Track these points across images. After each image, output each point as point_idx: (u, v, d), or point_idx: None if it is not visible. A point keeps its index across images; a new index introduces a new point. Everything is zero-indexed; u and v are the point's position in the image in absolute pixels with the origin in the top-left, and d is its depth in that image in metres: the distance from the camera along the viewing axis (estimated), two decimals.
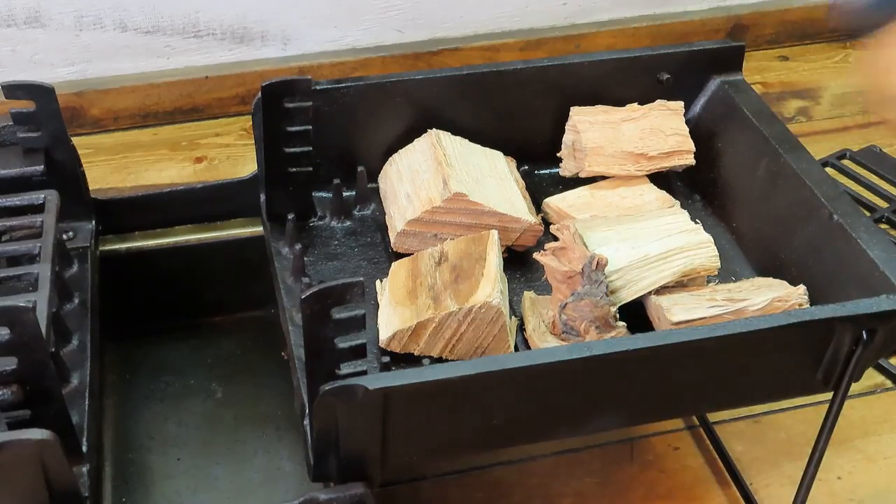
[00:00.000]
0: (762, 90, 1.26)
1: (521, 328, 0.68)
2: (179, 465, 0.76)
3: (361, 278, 0.53)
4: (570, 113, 0.80)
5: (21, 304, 0.53)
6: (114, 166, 1.12)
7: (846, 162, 1.11)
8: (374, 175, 0.80)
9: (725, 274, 0.73)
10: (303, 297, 0.53)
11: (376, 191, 0.80)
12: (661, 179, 0.79)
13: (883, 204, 1.05)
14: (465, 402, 0.58)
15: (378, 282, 0.71)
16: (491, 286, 0.65)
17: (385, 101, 0.79)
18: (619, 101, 0.81)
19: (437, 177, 0.73)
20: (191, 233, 0.82)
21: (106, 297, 0.75)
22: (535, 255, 0.69)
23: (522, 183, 0.79)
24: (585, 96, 0.81)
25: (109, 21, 1.14)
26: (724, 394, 0.66)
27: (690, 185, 0.82)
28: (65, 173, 0.75)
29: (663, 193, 0.78)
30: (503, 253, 0.72)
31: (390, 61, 1.23)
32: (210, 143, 1.17)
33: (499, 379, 0.56)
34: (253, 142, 0.77)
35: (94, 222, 0.78)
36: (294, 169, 0.75)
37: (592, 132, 0.78)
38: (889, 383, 0.88)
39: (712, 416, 0.83)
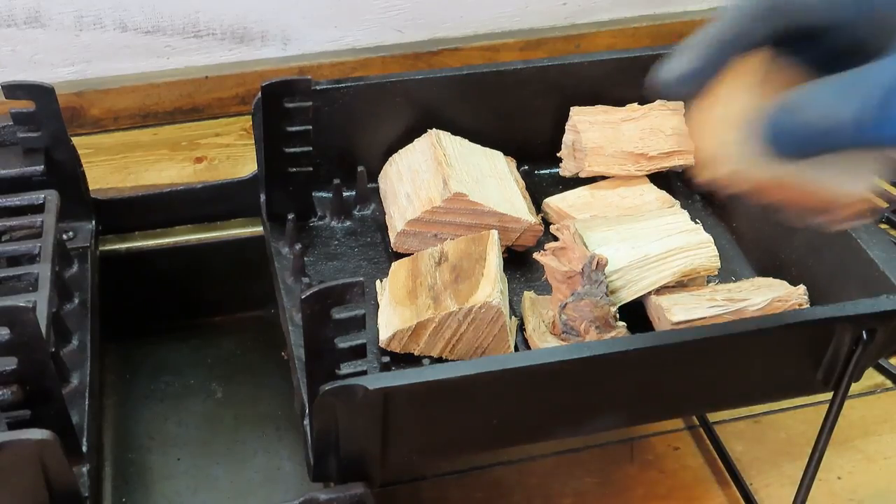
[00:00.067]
0: None
1: (521, 328, 0.68)
2: (179, 465, 0.76)
3: (361, 278, 0.53)
4: (570, 113, 0.80)
5: (21, 304, 0.53)
6: (114, 166, 1.12)
7: None
8: (374, 175, 0.80)
9: (725, 274, 0.73)
10: (303, 297, 0.53)
11: (376, 191, 0.80)
12: (661, 179, 0.79)
13: (883, 204, 1.05)
14: (465, 402, 0.58)
15: (378, 282, 0.71)
16: (491, 286, 0.65)
17: (385, 101, 0.79)
18: (619, 101, 0.81)
19: (437, 177, 0.73)
20: (191, 233, 0.82)
21: (106, 297, 0.75)
22: (535, 255, 0.69)
23: (522, 183, 0.79)
24: (585, 96, 0.81)
25: (109, 21, 1.14)
26: (724, 394, 0.66)
27: (690, 185, 0.82)
28: (65, 173, 0.75)
29: (663, 193, 0.78)
30: (503, 253, 0.72)
31: (390, 61, 1.23)
32: (210, 143, 1.17)
33: (499, 379, 0.56)
34: (253, 142, 0.77)
35: (94, 222, 0.78)
36: (294, 169, 0.75)
37: (592, 132, 0.78)
38: (889, 383, 0.88)
39: (712, 416, 0.83)
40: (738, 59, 0.46)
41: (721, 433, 0.82)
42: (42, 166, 0.73)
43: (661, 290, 0.66)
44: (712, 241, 0.68)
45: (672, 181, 0.81)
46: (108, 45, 1.15)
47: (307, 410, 0.60)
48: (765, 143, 0.44)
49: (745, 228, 0.77)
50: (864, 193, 0.47)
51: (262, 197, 0.78)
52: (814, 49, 0.46)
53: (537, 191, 0.81)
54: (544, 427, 0.63)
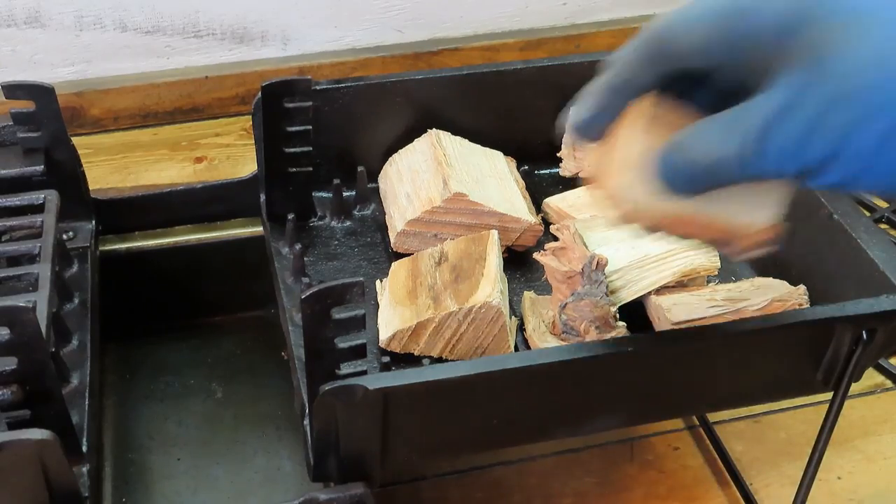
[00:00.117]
0: None
1: (521, 328, 0.68)
2: (179, 465, 0.76)
3: (361, 278, 0.53)
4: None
5: (21, 304, 0.53)
6: (114, 166, 1.12)
7: None
8: (374, 175, 0.80)
9: (725, 274, 0.73)
10: (303, 297, 0.53)
11: (376, 191, 0.80)
12: None
13: (883, 204, 1.05)
14: (465, 402, 0.58)
15: (378, 282, 0.71)
16: (491, 286, 0.65)
17: (385, 101, 0.79)
18: None
19: (437, 177, 0.73)
20: (191, 233, 0.82)
21: (106, 297, 0.75)
22: (535, 255, 0.68)
23: (522, 183, 0.79)
24: None
25: (109, 21, 1.14)
26: (724, 394, 0.66)
27: None
28: (65, 173, 0.75)
29: None
30: (503, 253, 0.72)
31: (390, 61, 1.23)
32: (210, 143, 1.17)
33: (499, 379, 0.56)
34: (253, 142, 0.77)
35: (94, 222, 0.78)
36: (294, 169, 0.75)
37: None
38: (889, 383, 0.88)
39: (712, 416, 0.83)
40: (632, 103, 0.49)
41: (721, 433, 0.82)
42: (42, 166, 0.73)
43: (661, 290, 0.66)
44: None
45: None
46: (108, 45, 1.15)
47: (307, 410, 0.60)
48: (659, 182, 0.47)
49: None
50: (763, 224, 0.50)
51: (262, 197, 0.78)
52: (702, 90, 0.49)
53: (537, 191, 0.81)
54: (544, 427, 0.63)
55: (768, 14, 0.44)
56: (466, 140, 0.79)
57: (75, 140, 0.75)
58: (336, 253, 0.76)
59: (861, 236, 0.66)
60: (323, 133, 0.76)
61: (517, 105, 0.81)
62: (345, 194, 0.79)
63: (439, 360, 0.66)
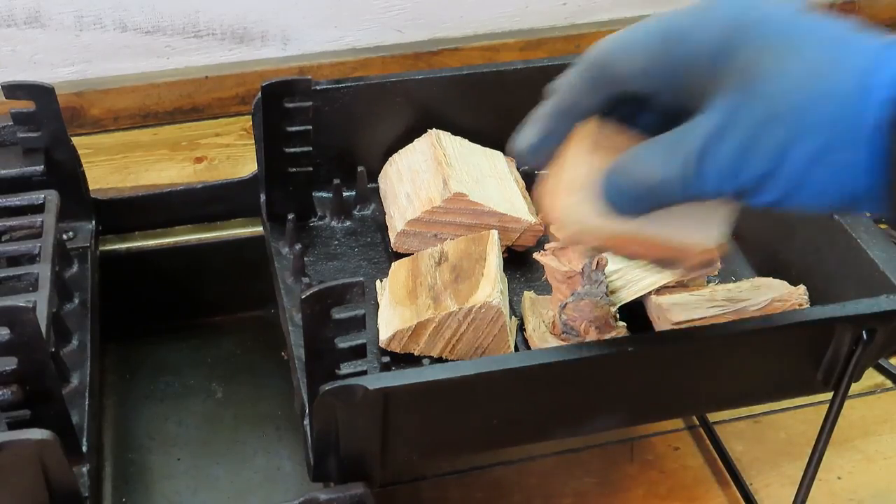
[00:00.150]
0: None
1: (521, 328, 0.68)
2: (179, 465, 0.76)
3: (361, 278, 0.53)
4: None
5: (21, 304, 0.53)
6: (114, 166, 1.12)
7: None
8: (374, 175, 0.80)
9: (725, 274, 0.73)
10: (303, 297, 0.53)
11: (376, 191, 0.80)
12: None
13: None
14: (465, 402, 0.58)
15: (378, 282, 0.71)
16: (491, 286, 0.65)
17: (385, 101, 0.79)
18: None
19: (437, 177, 0.73)
20: (191, 233, 0.82)
21: (106, 297, 0.75)
22: (535, 255, 0.69)
23: (522, 183, 0.79)
24: None
25: (109, 21, 1.14)
26: (724, 394, 0.66)
27: None
28: (65, 173, 0.75)
29: None
30: (503, 253, 0.72)
31: (390, 61, 1.23)
32: (210, 143, 1.17)
33: (499, 379, 0.56)
34: (253, 142, 0.77)
35: (94, 222, 0.78)
36: (294, 169, 0.75)
37: None
38: (889, 383, 0.87)
39: (712, 416, 0.83)
40: (578, 126, 0.51)
41: (721, 433, 0.82)
42: (42, 166, 0.73)
43: (661, 290, 0.66)
44: None
45: None
46: (108, 45, 1.15)
47: (307, 410, 0.60)
48: (605, 203, 0.48)
49: (745, 228, 0.77)
50: (708, 243, 0.51)
51: (262, 197, 0.78)
52: (645, 113, 0.51)
53: None
54: (544, 427, 0.63)
55: (703, 38, 0.45)
56: (466, 140, 0.79)
57: (75, 140, 0.75)
58: (336, 253, 0.76)
59: (861, 236, 0.66)
60: (323, 133, 0.76)
61: (517, 105, 0.80)
62: (345, 194, 0.79)
63: (439, 360, 0.66)
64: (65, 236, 0.75)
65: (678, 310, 0.64)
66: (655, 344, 0.60)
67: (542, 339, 0.66)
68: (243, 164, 1.13)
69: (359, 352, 0.55)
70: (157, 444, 0.78)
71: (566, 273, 0.65)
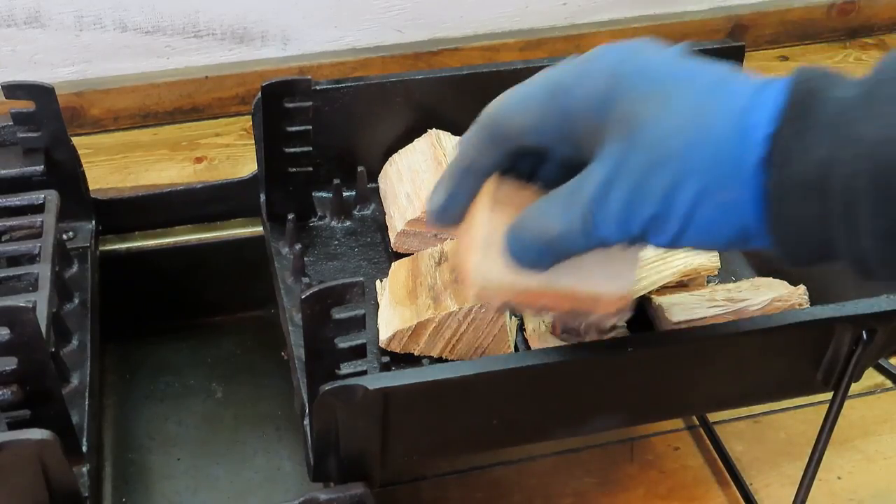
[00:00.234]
0: None
1: (521, 328, 0.68)
2: (179, 465, 0.76)
3: (361, 278, 0.53)
4: None
5: (21, 304, 0.53)
6: (114, 166, 1.12)
7: None
8: (374, 175, 0.80)
9: (725, 274, 0.73)
10: (303, 297, 0.53)
11: (376, 191, 0.80)
12: None
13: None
14: (465, 402, 0.58)
15: (378, 282, 0.71)
16: None
17: (385, 101, 0.79)
18: None
19: (437, 177, 0.73)
20: (191, 233, 0.82)
21: (106, 297, 0.75)
22: None
23: None
24: None
25: (109, 21, 1.14)
26: (724, 394, 0.66)
27: None
28: (65, 173, 0.75)
29: None
30: None
31: (390, 61, 1.23)
32: (210, 143, 1.17)
33: (499, 379, 0.56)
34: (253, 142, 0.77)
35: (94, 222, 0.78)
36: (294, 169, 0.75)
37: None
38: (889, 383, 0.87)
39: (712, 416, 0.83)
40: (483, 183, 0.52)
41: (721, 433, 0.82)
42: (42, 166, 0.73)
43: (661, 290, 0.66)
44: None
45: None
46: (108, 45, 1.15)
47: (307, 410, 0.60)
48: (510, 259, 0.49)
49: None
50: (616, 292, 0.52)
51: (262, 197, 0.78)
52: (546, 165, 0.52)
53: None
54: (544, 427, 0.63)
55: (586, 91, 0.46)
56: None
57: (75, 140, 0.75)
58: (336, 253, 0.76)
59: None
60: (323, 133, 0.76)
61: None
62: (345, 194, 0.79)
63: (439, 360, 0.66)
64: (65, 236, 0.75)
65: (678, 310, 0.64)
66: (655, 344, 0.60)
67: (542, 339, 0.66)
68: (243, 164, 1.13)
69: (359, 352, 0.55)
70: (157, 444, 0.78)
71: None
